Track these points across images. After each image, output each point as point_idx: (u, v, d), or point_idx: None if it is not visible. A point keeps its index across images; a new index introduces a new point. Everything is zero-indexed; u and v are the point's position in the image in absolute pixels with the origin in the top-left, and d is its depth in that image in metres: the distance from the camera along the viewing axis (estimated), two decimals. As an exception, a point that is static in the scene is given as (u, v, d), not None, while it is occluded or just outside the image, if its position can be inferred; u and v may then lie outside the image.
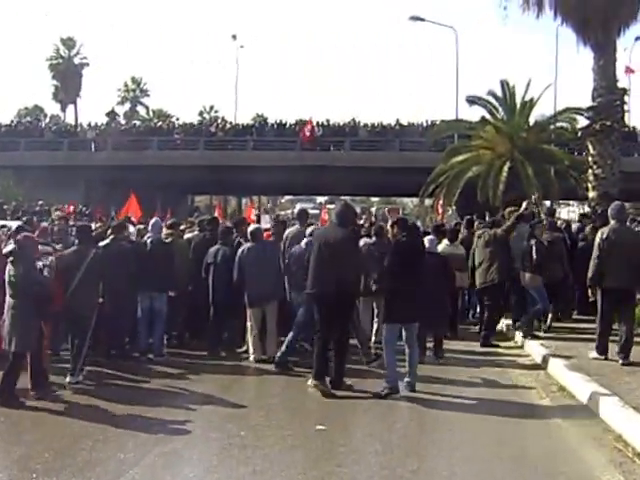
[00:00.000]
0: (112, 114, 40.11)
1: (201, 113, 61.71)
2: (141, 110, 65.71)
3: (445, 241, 11.18)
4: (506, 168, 20.16)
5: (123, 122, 44.36)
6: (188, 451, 5.68)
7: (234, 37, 48.47)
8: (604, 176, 16.02)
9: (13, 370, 6.94)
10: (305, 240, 9.07)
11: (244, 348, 9.36)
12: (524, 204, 10.90)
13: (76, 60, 60.14)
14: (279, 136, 35.06)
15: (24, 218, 13.17)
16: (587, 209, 17.06)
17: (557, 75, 39.31)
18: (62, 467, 5.15)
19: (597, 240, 8.74)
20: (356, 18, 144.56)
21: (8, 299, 7.05)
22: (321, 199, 59.11)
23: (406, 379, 7.49)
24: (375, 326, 9.85)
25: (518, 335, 10.65)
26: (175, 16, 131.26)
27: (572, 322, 11.58)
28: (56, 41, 60.48)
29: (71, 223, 12.72)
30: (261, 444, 5.74)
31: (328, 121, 35.36)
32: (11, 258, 7.04)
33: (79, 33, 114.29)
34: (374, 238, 10.05)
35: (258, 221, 14.95)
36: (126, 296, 8.97)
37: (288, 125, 35.79)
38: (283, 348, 8.52)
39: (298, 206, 33.35)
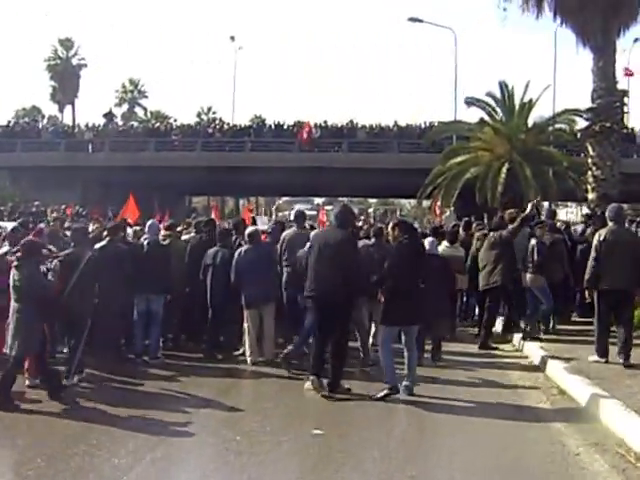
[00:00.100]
0: (109, 115, 39.92)
1: (199, 114, 61.75)
2: (139, 111, 65.68)
3: (445, 243, 11.14)
4: (504, 169, 20.16)
5: (121, 123, 44.23)
6: (183, 457, 5.60)
7: (232, 38, 48.32)
8: (604, 177, 16.01)
9: (11, 374, 6.90)
10: (309, 244, 9.01)
11: (241, 351, 9.29)
12: (529, 206, 10.76)
13: (74, 61, 59.97)
14: (277, 137, 35.06)
15: (19, 220, 13.05)
16: (586, 210, 17.03)
17: (556, 76, 39.28)
18: (55, 473, 5.07)
19: (594, 242, 8.71)
20: (355, 19, 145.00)
21: (13, 303, 7.00)
22: (319, 200, 59.09)
23: (404, 382, 7.42)
24: (373, 329, 9.77)
25: (516, 337, 10.58)
26: (173, 18, 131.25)
27: (572, 324, 11.51)
28: (54, 42, 60.53)
29: (66, 225, 12.57)
30: (257, 450, 5.65)
31: (326, 122, 35.37)
32: (16, 263, 7.01)
33: (77, 34, 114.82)
34: (373, 240, 9.98)
35: (254, 222, 14.87)
36: (122, 298, 8.88)
37: (286, 126, 35.78)
38: (291, 347, 8.69)
39: (296, 207, 33.25)
